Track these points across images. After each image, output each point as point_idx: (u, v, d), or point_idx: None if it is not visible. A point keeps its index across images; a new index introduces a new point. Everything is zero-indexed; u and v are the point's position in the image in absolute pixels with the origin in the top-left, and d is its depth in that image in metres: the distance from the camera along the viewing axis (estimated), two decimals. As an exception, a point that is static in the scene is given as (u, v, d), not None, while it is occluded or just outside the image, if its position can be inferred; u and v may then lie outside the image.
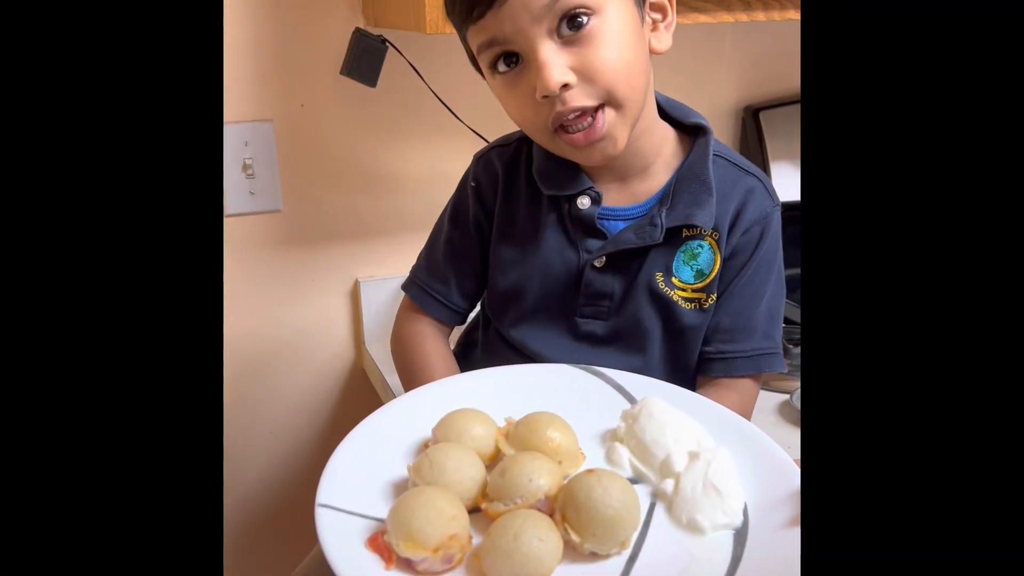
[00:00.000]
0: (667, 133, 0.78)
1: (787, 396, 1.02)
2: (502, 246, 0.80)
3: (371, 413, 0.64)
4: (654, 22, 0.72)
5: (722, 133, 1.38)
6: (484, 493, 0.56)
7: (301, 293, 1.21)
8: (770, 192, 0.78)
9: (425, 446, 0.61)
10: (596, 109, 0.68)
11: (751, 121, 1.33)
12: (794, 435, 0.96)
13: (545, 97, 0.66)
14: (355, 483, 0.56)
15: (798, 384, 1.04)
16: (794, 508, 0.54)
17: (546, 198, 0.77)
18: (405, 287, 0.87)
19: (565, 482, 0.55)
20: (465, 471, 0.55)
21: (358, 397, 1.28)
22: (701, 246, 0.75)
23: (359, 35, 1.09)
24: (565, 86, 0.66)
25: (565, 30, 0.65)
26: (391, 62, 1.11)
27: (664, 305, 0.76)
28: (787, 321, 1.27)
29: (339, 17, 1.12)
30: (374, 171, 1.20)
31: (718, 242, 0.76)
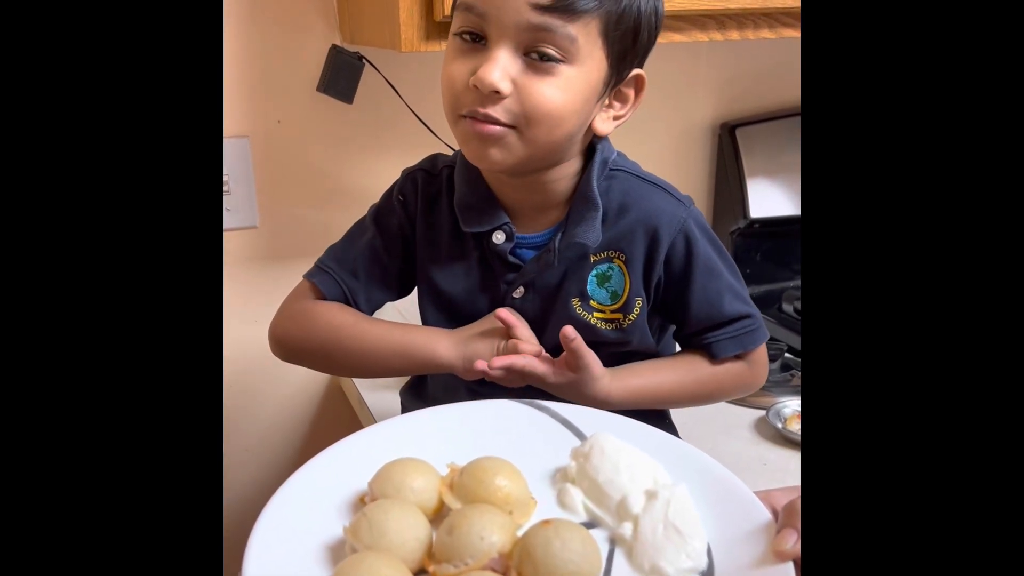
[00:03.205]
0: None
1: (763, 412, 1.02)
2: (429, 276, 0.81)
3: (302, 466, 0.59)
4: (609, 104, 0.74)
5: (699, 150, 1.40)
6: (430, 554, 0.51)
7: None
8: (677, 196, 0.79)
9: (361, 501, 0.56)
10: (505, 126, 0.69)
11: (727, 138, 1.34)
12: (771, 452, 0.96)
13: (475, 87, 0.67)
14: (286, 550, 0.51)
15: (774, 400, 1.04)
16: (760, 544, 0.52)
17: (469, 234, 0.78)
18: (310, 275, 0.84)
19: (519, 535, 0.51)
20: (408, 531, 0.51)
21: (334, 415, 1.27)
22: (612, 268, 0.78)
23: (336, 52, 1.09)
24: (497, 92, 0.66)
25: (534, 55, 0.67)
26: (368, 79, 1.11)
27: (584, 328, 0.77)
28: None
29: (316, 34, 1.12)
30: (351, 187, 1.20)
31: (626, 264, 0.77)
